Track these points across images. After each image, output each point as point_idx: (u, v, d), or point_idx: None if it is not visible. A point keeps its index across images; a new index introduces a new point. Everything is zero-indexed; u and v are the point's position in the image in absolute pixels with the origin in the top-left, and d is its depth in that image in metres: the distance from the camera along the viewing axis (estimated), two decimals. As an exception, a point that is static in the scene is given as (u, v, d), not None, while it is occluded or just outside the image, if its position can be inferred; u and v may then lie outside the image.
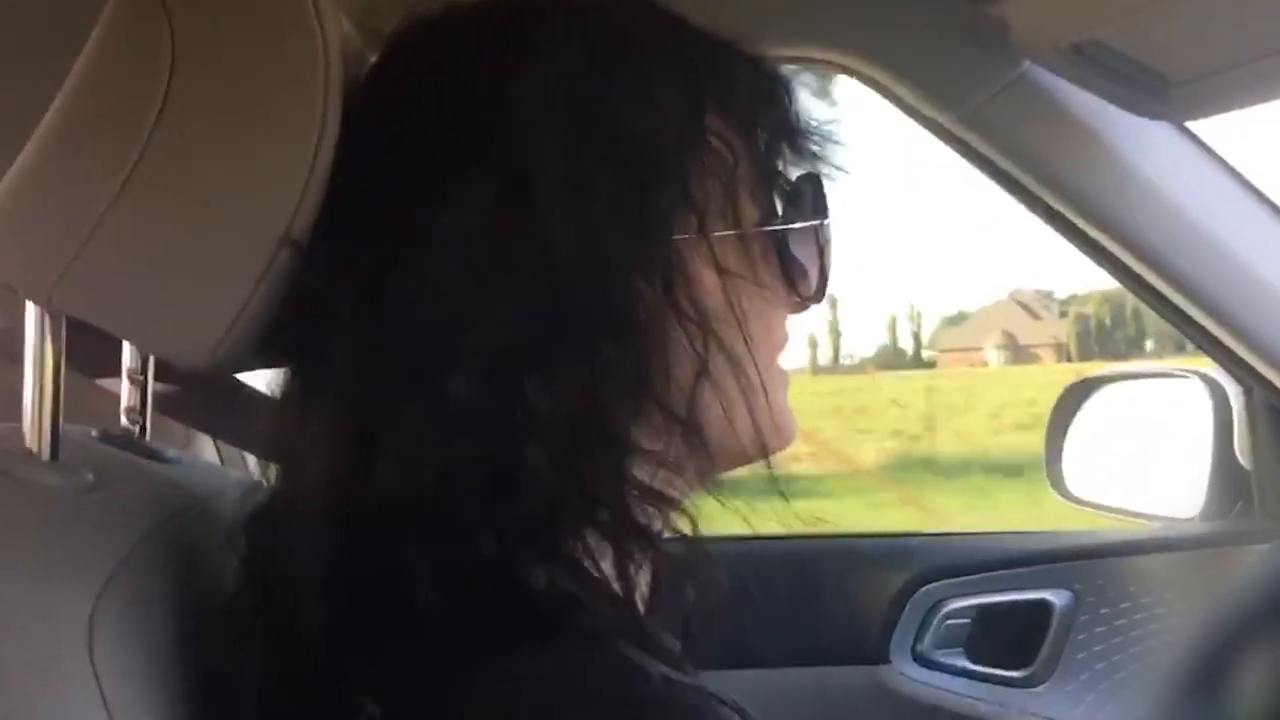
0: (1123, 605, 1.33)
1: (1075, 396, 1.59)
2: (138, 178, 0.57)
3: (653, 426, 0.58)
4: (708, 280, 0.59)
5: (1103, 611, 1.33)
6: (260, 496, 0.61)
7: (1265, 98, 0.98)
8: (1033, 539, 1.43)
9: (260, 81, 0.58)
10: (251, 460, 1.22)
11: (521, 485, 0.54)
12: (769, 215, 0.63)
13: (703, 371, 0.57)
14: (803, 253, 0.64)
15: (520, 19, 0.61)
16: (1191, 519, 1.41)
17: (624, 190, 0.56)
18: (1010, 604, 1.34)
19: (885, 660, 1.33)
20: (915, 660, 1.32)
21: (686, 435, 0.58)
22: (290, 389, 0.62)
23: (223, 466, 1.01)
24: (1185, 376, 1.49)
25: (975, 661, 1.34)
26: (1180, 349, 1.30)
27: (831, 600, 1.33)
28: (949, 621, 1.32)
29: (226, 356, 0.60)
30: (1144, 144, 1.11)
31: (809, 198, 0.64)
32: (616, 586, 0.57)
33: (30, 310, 0.61)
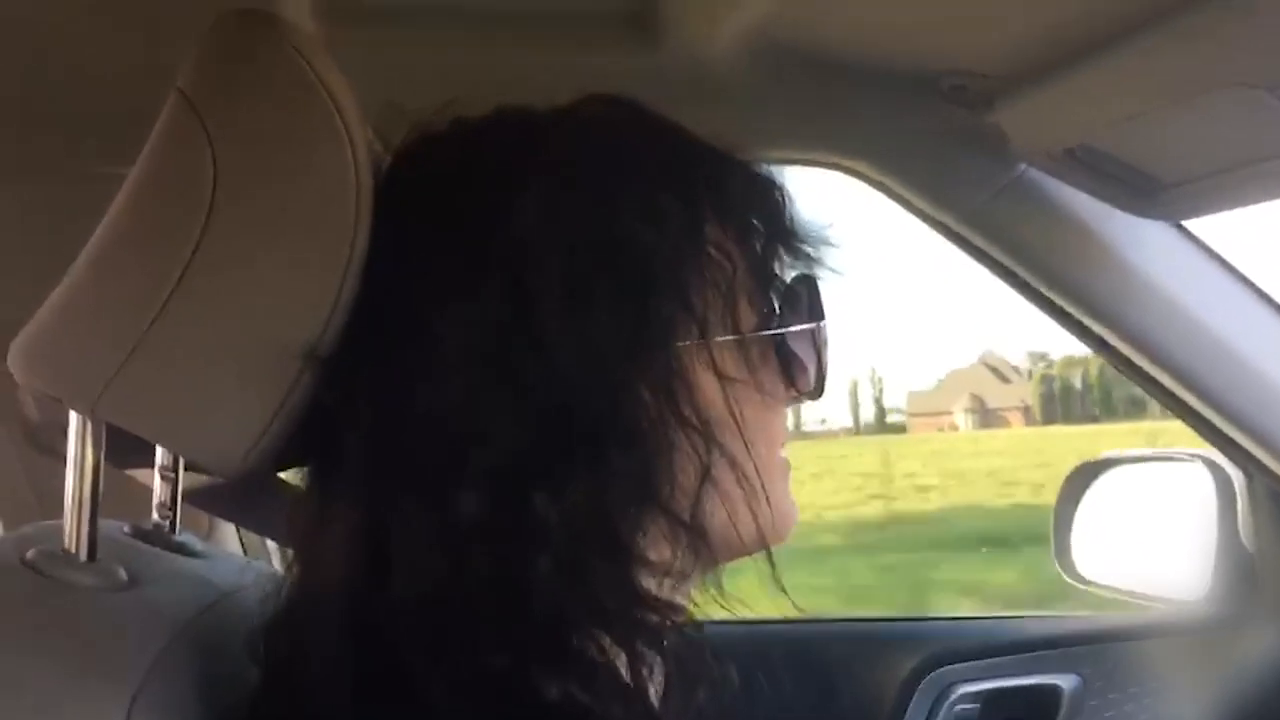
0: (1131, 690, 1.34)
1: (1082, 478, 1.60)
2: (180, 294, 0.60)
3: (657, 534, 0.60)
4: (708, 386, 0.62)
5: (1111, 696, 1.34)
6: (279, 600, 0.63)
7: (1251, 200, 1.01)
8: (1042, 624, 1.44)
9: (296, 204, 0.62)
10: (273, 546, 1.25)
11: (532, 598, 0.56)
12: (767, 319, 0.66)
13: (706, 477, 0.60)
14: (801, 350, 0.67)
15: (524, 136, 0.64)
16: (1198, 601, 1.42)
17: (626, 305, 0.59)
18: (1019, 689, 1.35)
19: (895, 744, 1.33)
20: (924, 745, 1.33)
21: (692, 540, 0.60)
22: (308, 491, 0.64)
23: (245, 558, 1.03)
24: (1189, 460, 1.51)
25: (984, 747, 1.35)
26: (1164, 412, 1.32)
27: (843, 684, 1.34)
28: (959, 706, 1.33)
29: (256, 462, 0.63)
30: (1141, 240, 1.14)
31: (805, 298, 0.67)
32: (630, 681, 0.59)
33: (73, 418, 0.65)
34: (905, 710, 1.33)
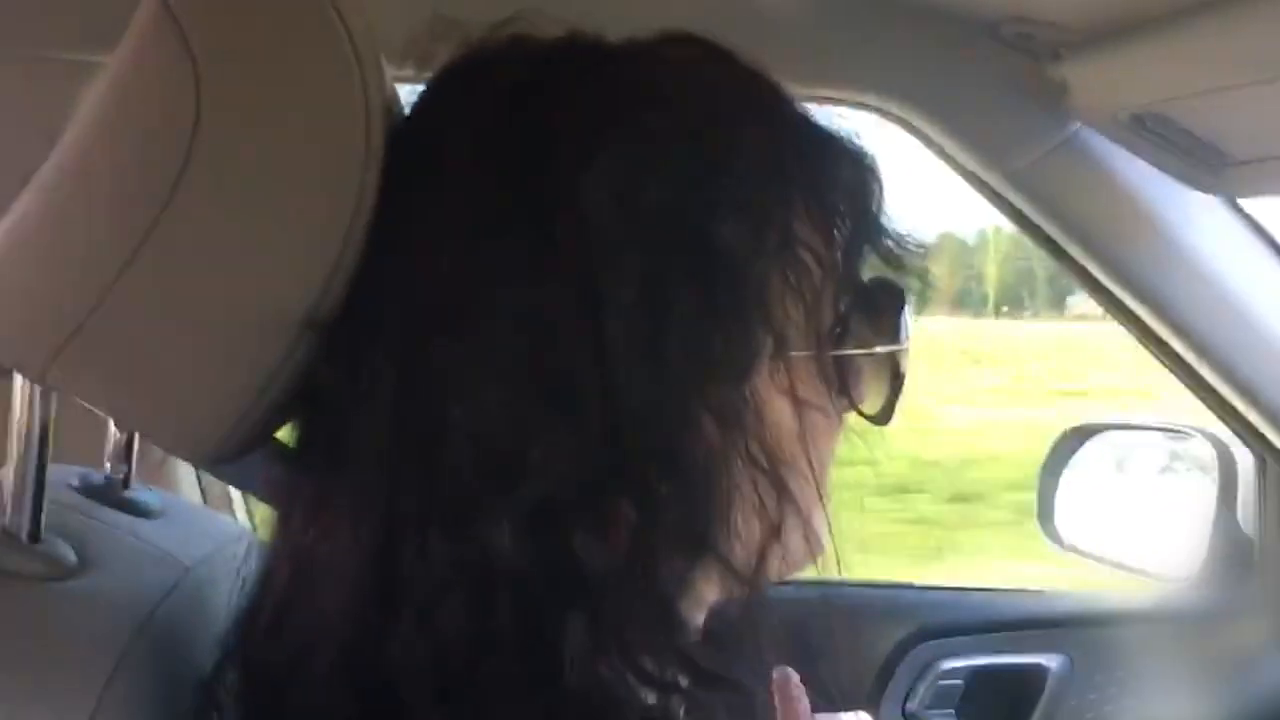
0: (1117, 673, 1.30)
1: (1072, 441, 1.56)
2: (151, 246, 0.50)
3: (705, 576, 0.52)
4: (779, 413, 0.52)
5: (1097, 679, 1.30)
6: (258, 591, 0.55)
7: (1326, 185, 0.94)
8: (1033, 600, 1.40)
9: (295, 140, 0.52)
10: (236, 493, 1.16)
11: (564, 658, 0.47)
12: (846, 330, 0.55)
13: (774, 534, 0.51)
14: (875, 370, 0.58)
15: (603, 84, 0.52)
16: (1187, 581, 1.38)
17: (704, 317, 0.49)
18: (1005, 667, 1.31)
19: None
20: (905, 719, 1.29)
21: (743, 590, 0.52)
22: (301, 473, 0.54)
23: (206, 510, 0.94)
24: (1189, 434, 1.46)
25: (966, 724, 1.31)
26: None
27: (825, 653, 1.28)
28: (942, 681, 1.29)
29: (232, 449, 0.54)
30: (1188, 214, 1.07)
31: (890, 310, 0.57)
32: None
33: (18, 381, 0.55)
34: (887, 683, 1.28)
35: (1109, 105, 0.92)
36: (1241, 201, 1.09)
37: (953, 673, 1.29)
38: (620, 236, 0.48)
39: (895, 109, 1.05)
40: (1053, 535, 1.51)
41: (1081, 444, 1.55)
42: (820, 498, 0.55)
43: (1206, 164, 0.94)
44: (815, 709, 0.75)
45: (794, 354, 0.52)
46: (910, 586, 1.43)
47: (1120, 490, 1.53)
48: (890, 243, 0.56)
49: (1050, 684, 1.29)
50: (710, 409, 0.49)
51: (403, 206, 0.51)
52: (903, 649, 1.28)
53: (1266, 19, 0.75)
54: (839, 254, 0.54)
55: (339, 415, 0.50)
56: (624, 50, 0.55)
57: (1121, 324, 1.19)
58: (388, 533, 0.48)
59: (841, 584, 1.40)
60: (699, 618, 0.54)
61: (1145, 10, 0.82)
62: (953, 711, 1.29)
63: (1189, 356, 1.15)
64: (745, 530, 0.51)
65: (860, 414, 0.58)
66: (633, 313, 0.48)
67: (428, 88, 0.55)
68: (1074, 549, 1.48)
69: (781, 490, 0.51)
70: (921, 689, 1.28)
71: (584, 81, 0.52)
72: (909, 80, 1.04)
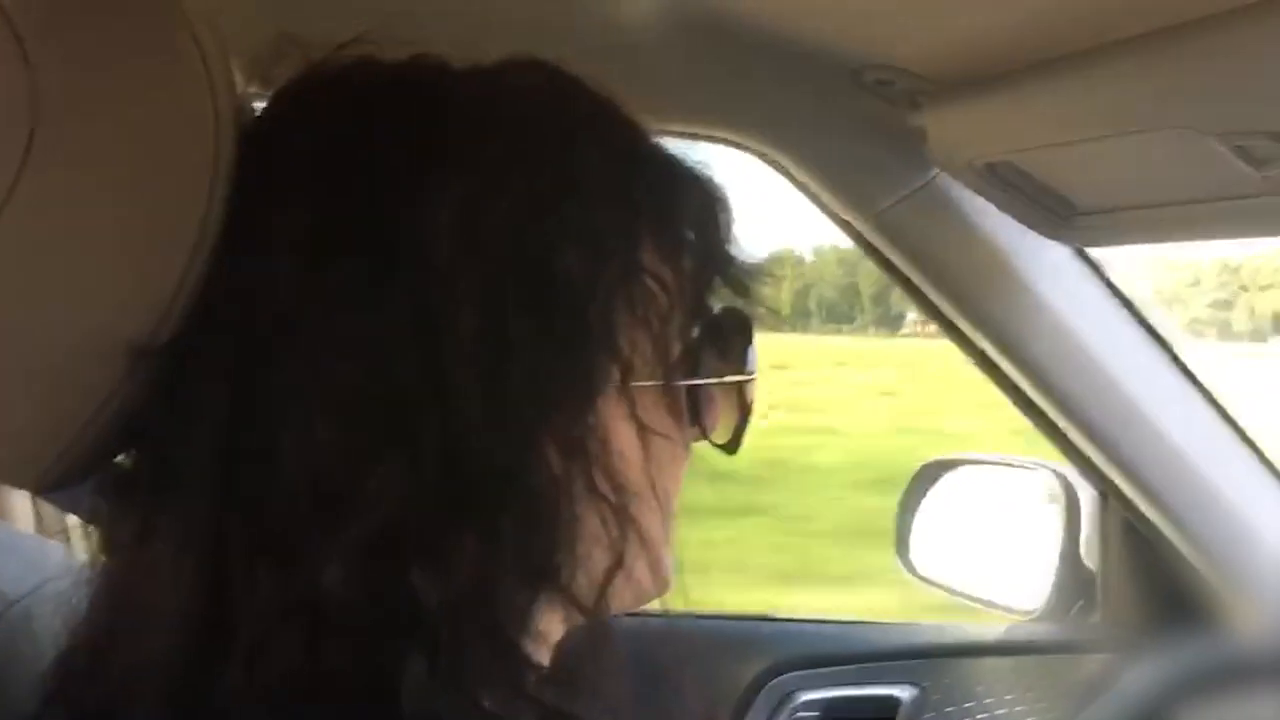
0: (967, 705, 1.33)
1: (928, 475, 1.60)
2: None
3: (548, 609, 0.52)
4: (624, 441, 0.52)
5: (947, 710, 1.33)
6: (83, 627, 0.52)
7: (1166, 238, 0.98)
8: (887, 632, 1.42)
9: (138, 159, 0.50)
10: (74, 521, 1.10)
11: (401, 696, 0.45)
12: (694, 359, 0.56)
13: (618, 565, 0.51)
14: (724, 398, 0.59)
15: (446, 107, 0.52)
16: (1032, 612, 1.42)
17: (546, 349, 0.49)
18: (858, 698, 1.32)
19: (730, 752, 1.29)
20: (760, 754, 1.29)
21: (588, 620, 0.52)
22: (129, 500, 0.52)
23: (38, 539, 0.90)
24: (1036, 469, 1.51)
25: (819, 758, 1.32)
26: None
27: (680, 687, 1.28)
28: (798, 714, 1.30)
29: (61, 476, 0.52)
30: (1040, 260, 1.11)
31: (739, 340, 0.59)
32: None
33: None
34: (745, 716, 1.29)
35: (964, 153, 0.94)
36: (1091, 251, 1.13)
37: (808, 704, 1.30)
38: (458, 262, 0.48)
39: (761, 146, 1.07)
40: (908, 566, 1.55)
41: (938, 477, 1.60)
42: (666, 528, 0.56)
43: (1056, 213, 0.97)
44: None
45: (640, 383, 0.52)
46: (767, 618, 1.44)
47: (972, 523, 1.57)
48: (739, 272, 0.57)
49: (902, 715, 1.31)
50: (553, 438, 0.49)
51: (238, 227, 0.50)
52: (760, 682, 1.29)
53: (1110, 77, 0.78)
54: (687, 283, 0.55)
55: (166, 443, 0.49)
56: (468, 74, 0.54)
57: (973, 361, 1.22)
58: (215, 567, 0.46)
59: (698, 616, 1.41)
60: (544, 653, 0.54)
61: (999, 64, 0.85)
62: (807, 744, 1.31)
63: (1035, 395, 1.19)
64: (589, 561, 0.51)
65: (710, 442, 0.58)
66: (471, 340, 0.47)
67: (267, 107, 0.54)
68: (926, 580, 1.52)
69: (625, 520, 0.51)
70: (777, 721, 1.29)
71: (425, 104, 0.52)
72: (774, 119, 1.05)
